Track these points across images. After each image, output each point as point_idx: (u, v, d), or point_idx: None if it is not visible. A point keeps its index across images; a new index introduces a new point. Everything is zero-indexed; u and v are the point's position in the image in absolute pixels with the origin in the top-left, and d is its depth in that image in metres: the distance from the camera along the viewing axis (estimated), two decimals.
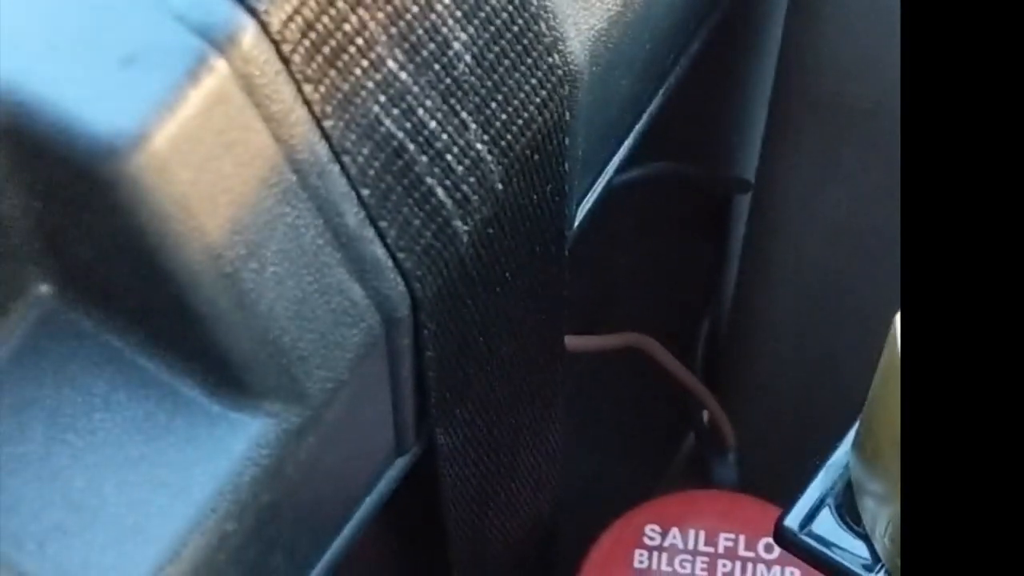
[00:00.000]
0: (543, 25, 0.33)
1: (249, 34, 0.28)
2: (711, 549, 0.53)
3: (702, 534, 0.53)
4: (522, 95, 0.33)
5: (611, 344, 0.53)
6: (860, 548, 0.35)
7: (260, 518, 0.32)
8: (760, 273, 0.59)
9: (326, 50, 0.29)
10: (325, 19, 0.29)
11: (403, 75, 0.30)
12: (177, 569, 0.30)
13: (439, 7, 0.31)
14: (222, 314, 0.29)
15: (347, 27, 0.29)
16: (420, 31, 0.31)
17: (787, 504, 0.36)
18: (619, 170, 0.42)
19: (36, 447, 0.30)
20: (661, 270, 0.60)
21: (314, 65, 0.29)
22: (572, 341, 0.43)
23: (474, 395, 0.38)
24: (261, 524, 0.32)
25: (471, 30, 0.32)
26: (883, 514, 0.34)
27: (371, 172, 0.30)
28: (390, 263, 0.32)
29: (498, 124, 0.33)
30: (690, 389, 0.58)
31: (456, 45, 0.31)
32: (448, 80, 0.31)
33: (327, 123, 0.29)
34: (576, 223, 0.40)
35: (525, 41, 0.33)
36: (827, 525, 0.36)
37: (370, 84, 0.30)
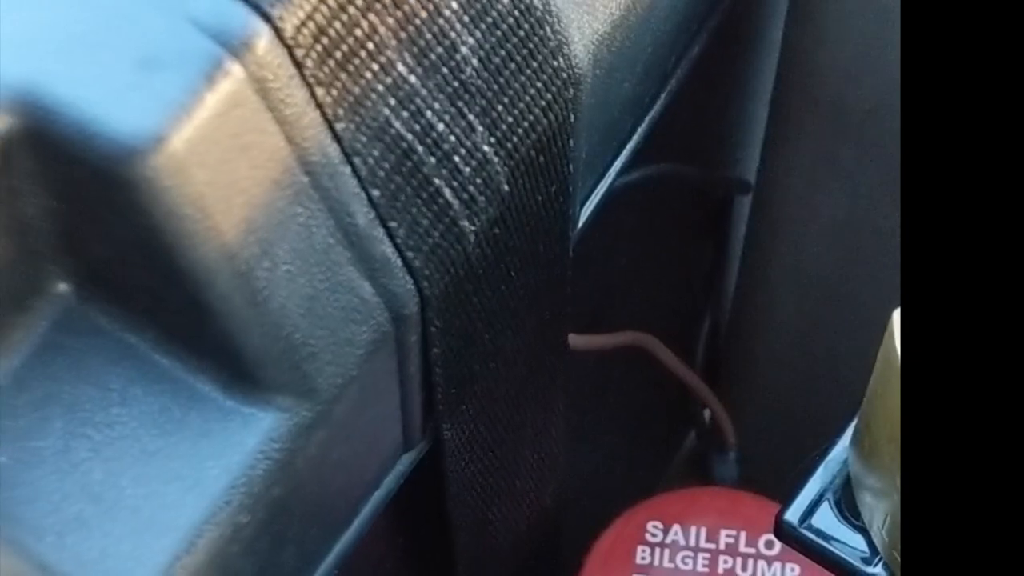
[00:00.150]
0: (548, 29, 0.33)
1: (264, 39, 0.28)
2: (712, 545, 0.52)
3: (703, 531, 0.53)
4: (527, 98, 0.33)
5: (613, 343, 0.52)
6: (859, 541, 0.35)
7: (272, 511, 0.32)
8: (760, 273, 0.58)
9: (338, 54, 0.29)
10: (337, 24, 0.29)
11: (412, 78, 0.31)
12: (192, 560, 0.30)
13: (447, 12, 0.31)
14: (235, 311, 0.29)
15: (358, 32, 0.29)
16: (429, 35, 0.31)
17: (787, 499, 0.36)
18: (621, 171, 0.42)
19: (56, 441, 0.30)
20: (663, 270, 0.59)
21: (326, 69, 0.29)
22: (575, 339, 0.43)
23: (479, 391, 0.38)
24: (272, 517, 0.32)
25: (478, 34, 0.32)
26: (881, 508, 0.34)
27: (381, 173, 0.31)
28: (399, 262, 0.32)
29: (504, 126, 0.33)
30: (691, 387, 0.58)
31: (464, 49, 0.31)
32: (456, 83, 0.32)
33: (339, 125, 0.30)
34: (579, 223, 0.40)
35: (531, 45, 0.33)
36: (826, 519, 0.36)
37: (380, 87, 0.30)
